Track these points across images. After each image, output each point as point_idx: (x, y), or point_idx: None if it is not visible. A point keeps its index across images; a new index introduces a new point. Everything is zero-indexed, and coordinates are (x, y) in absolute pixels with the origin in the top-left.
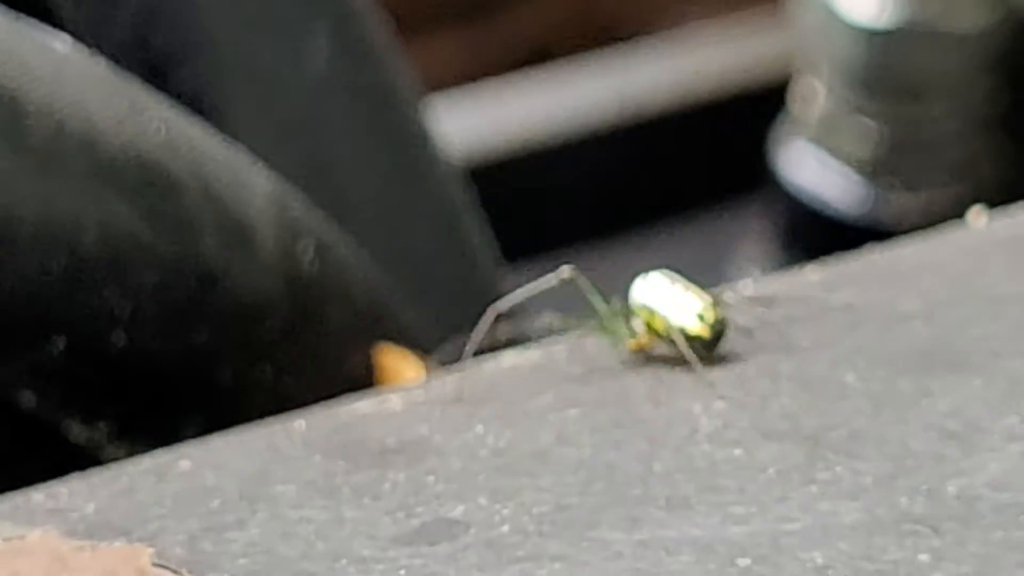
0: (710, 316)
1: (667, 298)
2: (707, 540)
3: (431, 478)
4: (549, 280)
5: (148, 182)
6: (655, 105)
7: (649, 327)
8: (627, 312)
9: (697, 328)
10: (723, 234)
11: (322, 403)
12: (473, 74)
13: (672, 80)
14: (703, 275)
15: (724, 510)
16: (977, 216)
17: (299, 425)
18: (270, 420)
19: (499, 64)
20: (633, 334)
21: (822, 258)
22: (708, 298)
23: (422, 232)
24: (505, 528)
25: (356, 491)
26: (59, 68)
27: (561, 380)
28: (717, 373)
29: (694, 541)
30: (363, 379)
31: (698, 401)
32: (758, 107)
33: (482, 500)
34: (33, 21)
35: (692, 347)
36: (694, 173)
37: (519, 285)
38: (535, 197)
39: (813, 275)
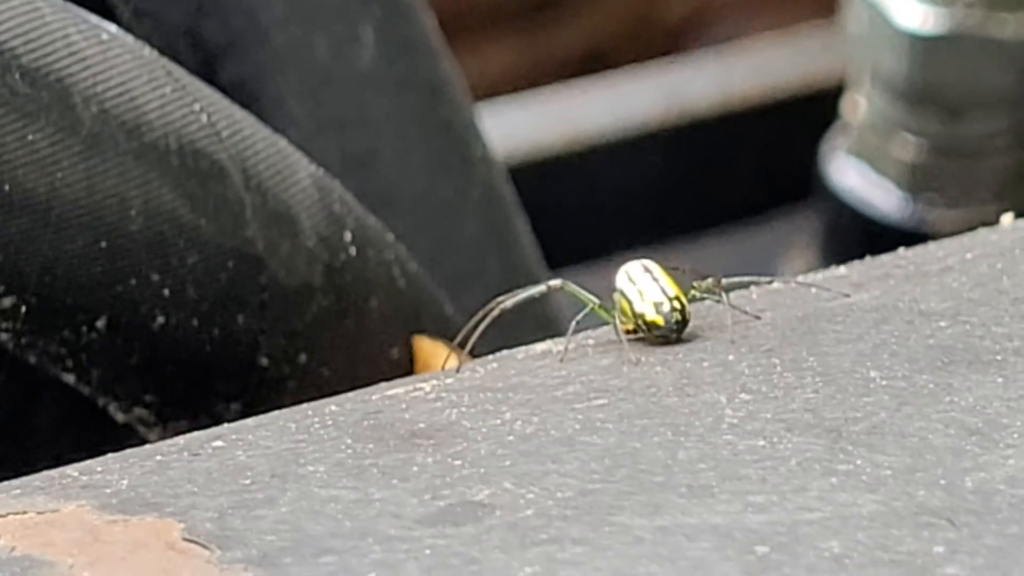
0: (667, 307)
1: (636, 286)
2: (727, 527)
3: (458, 462)
4: (539, 290)
5: (191, 167)
6: (707, 113)
7: (623, 312)
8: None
9: (652, 316)
10: (771, 243)
11: (354, 391)
12: (528, 80)
13: (725, 89)
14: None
15: (744, 499)
16: (1009, 221)
17: (331, 408)
18: (304, 405)
19: (554, 70)
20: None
21: None
22: (673, 291)
23: (467, 226)
24: (529, 512)
25: (384, 472)
26: (106, 52)
27: (589, 370)
28: (743, 366)
29: (714, 528)
30: (400, 370)
31: (723, 392)
32: (812, 117)
33: (507, 484)
34: (82, 8)
35: (657, 334)
36: (745, 181)
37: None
38: (586, 203)
39: (843, 273)
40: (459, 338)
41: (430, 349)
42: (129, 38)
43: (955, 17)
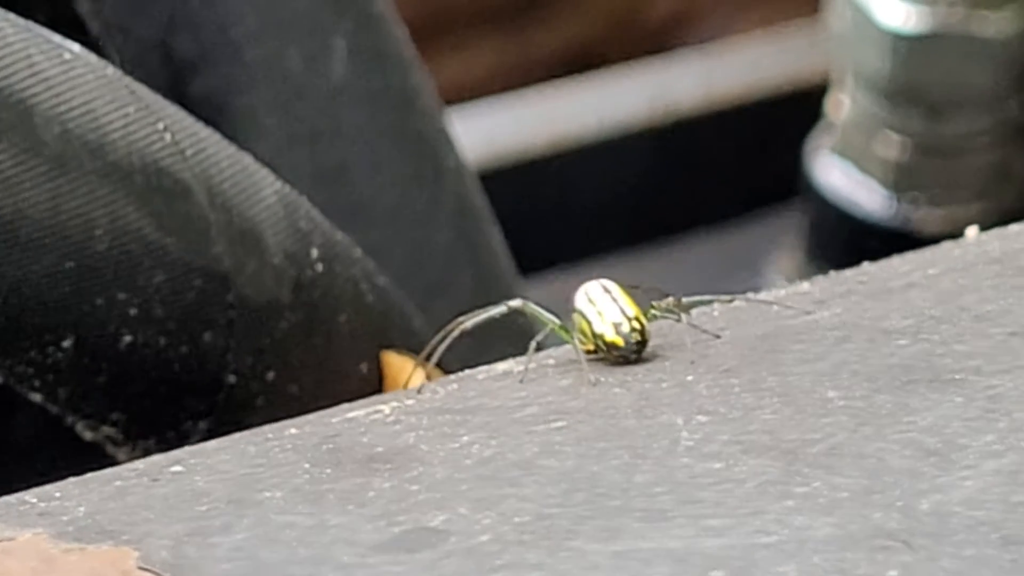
0: (626, 327)
1: (595, 307)
2: (683, 552)
3: (415, 487)
4: (499, 311)
5: (156, 185)
6: (692, 112)
7: (582, 332)
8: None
9: (612, 336)
10: (757, 243)
11: (319, 411)
12: (512, 80)
13: (710, 88)
14: (736, 283)
15: (701, 523)
16: (974, 235)
17: (291, 431)
18: (264, 428)
19: (537, 71)
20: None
21: (849, 265)
22: (632, 311)
23: (439, 237)
24: (485, 537)
25: (341, 498)
26: (68, 72)
27: (548, 391)
28: (701, 387)
29: (670, 553)
30: (369, 386)
31: (681, 414)
32: (797, 116)
33: (463, 509)
34: (44, 27)
35: (617, 354)
36: (731, 181)
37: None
38: (571, 204)
39: (806, 289)
40: (422, 356)
41: (398, 364)
42: (92, 57)
43: (937, 16)
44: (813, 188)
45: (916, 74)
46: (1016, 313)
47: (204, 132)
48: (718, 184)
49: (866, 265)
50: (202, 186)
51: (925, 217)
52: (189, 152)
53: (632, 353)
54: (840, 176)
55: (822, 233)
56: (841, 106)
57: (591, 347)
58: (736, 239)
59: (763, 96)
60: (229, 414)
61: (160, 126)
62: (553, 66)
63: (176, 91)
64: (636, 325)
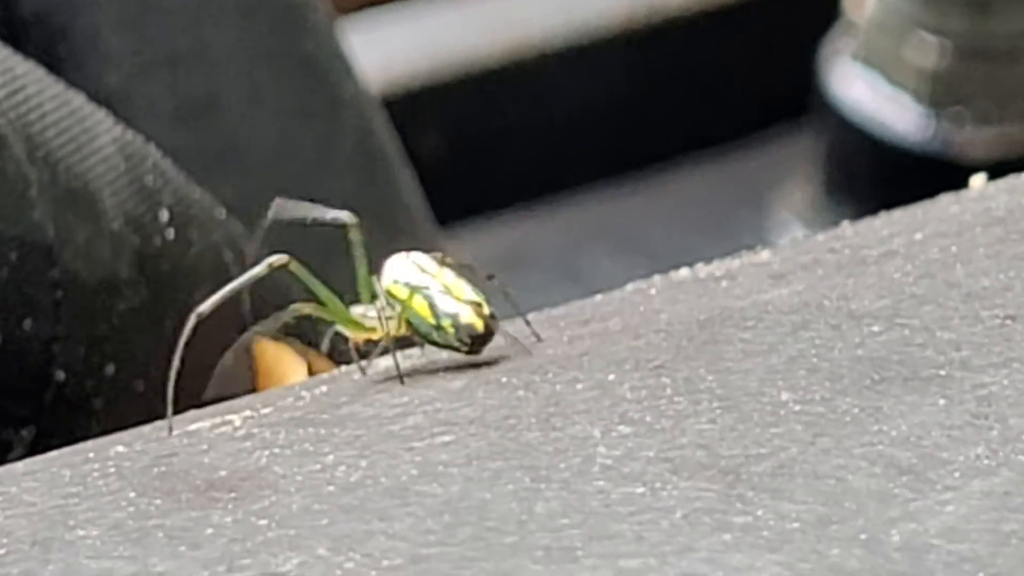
0: (485, 309)
1: (439, 280)
2: None
3: (263, 521)
4: (259, 271)
5: None
6: (681, 12)
7: (407, 310)
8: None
9: (470, 318)
10: (762, 172)
11: (156, 422)
12: None
13: None
14: (737, 221)
15: (615, 564)
16: (979, 184)
17: (117, 450)
18: (86, 444)
19: None
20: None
21: (876, 201)
22: (480, 294)
23: (336, 185)
24: None
25: (171, 537)
26: None
27: (436, 395)
28: (625, 389)
29: None
30: (236, 382)
31: (598, 424)
32: (809, 15)
33: (322, 550)
34: None
35: (454, 344)
36: (729, 96)
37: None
38: (532, 127)
39: (762, 259)
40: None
41: (274, 354)
42: None
43: None
44: (829, 104)
45: None
46: (1016, 291)
47: (22, 67)
48: (713, 101)
49: (845, 226)
50: (18, 135)
51: (970, 139)
52: (2, 94)
53: (480, 342)
54: (863, 89)
55: (841, 160)
56: (864, 1)
57: (391, 329)
58: (736, 169)
59: None
60: (59, 419)
61: None
62: None
63: (1, 12)
64: (487, 310)
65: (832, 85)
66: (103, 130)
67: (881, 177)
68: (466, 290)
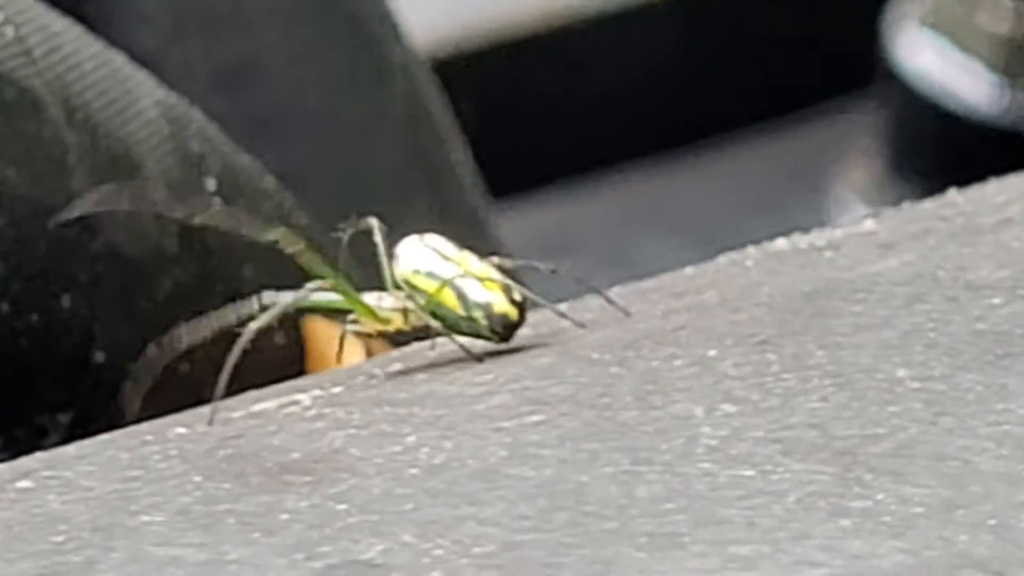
0: (516, 294)
1: (460, 268)
2: None
3: (342, 506)
4: (300, 295)
5: None
6: None
7: (432, 301)
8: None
9: (504, 306)
10: (822, 145)
11: (216, 402)
12: None
13: None
14: (794, 200)
15: (724, 551)
16: None
17: (177, 432)
18: (142, 426)
19: None
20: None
21: (944, 177)
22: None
23: (383, 154)
24: (435, 574)
25: (243, 523)
26: None
27: (522, 372)
28: (728, 365)
29: None
30: (286, 364)
31: (701, 403)
32: None
33: (407, 536)
34: None
35: (485, 333)
36: (786, 66)
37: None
38: (571, 99)
39: (869, 228)
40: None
41: (326, 333)
42: None
43: None
44: (895, 73)
45: None
46: None
47: (59, 25)
48: (768, 70)
49: (953, 193)
50: (56, 97)
51: None
52: (39, 52)
53: (511, 331)
54: (932, 57)
55: (907, 133)
56: None
57: (410, 321)
58: (793, 144)
59: None
60: (98, 404)
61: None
62: None
63: None
64: (518, 295)
65: (898, 53)
66: (145, 92)
67: (950, 152)
68: (492, 274)
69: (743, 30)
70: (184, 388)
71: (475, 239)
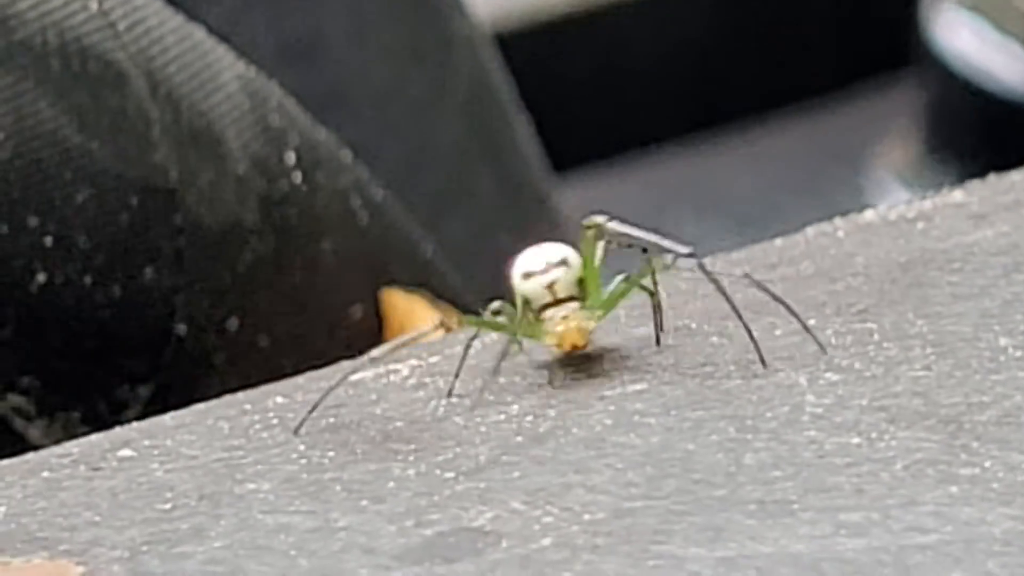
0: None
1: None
2: (812, 558)
3: (449, 474)
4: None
5: (78, 71)
6: None
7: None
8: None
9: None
10: (859, 127)
11: (309, 372)
12: None
13: None
14: (832, 181)
15: (835, 517)
16: None
17: (276, 400)
18: (239, 395)
19: None
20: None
21: (983, 159)
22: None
23: (448, 130)
24: (546, 541)
25: (351, 491)
26: None
27: (621, 342)
28: (829, 334)
29: (795, 559)
30: (365, 337)
31: (804, 371)
32: None
33: (516, 504)
34: None
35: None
36: (822, 46)
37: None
38: (609, 79)
39: (958, 199)
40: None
41: (406, 306)
42: None
43: None
44: (933, 54)
45: None
46: None
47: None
48: (806, 50)
49: None
50: (141, 71)
51: None
52: (123, 25)
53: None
54: (970, 37)
55: (945, 114)
56: None
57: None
58: (830, 124)
59: None
60: (179, 377)
61: None
62: None
63: None
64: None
65: (936, 33)
66: (225, 66)
67: (989, 133)
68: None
69: (781, 10)
70: (263, 363)
71: (538, 214)
